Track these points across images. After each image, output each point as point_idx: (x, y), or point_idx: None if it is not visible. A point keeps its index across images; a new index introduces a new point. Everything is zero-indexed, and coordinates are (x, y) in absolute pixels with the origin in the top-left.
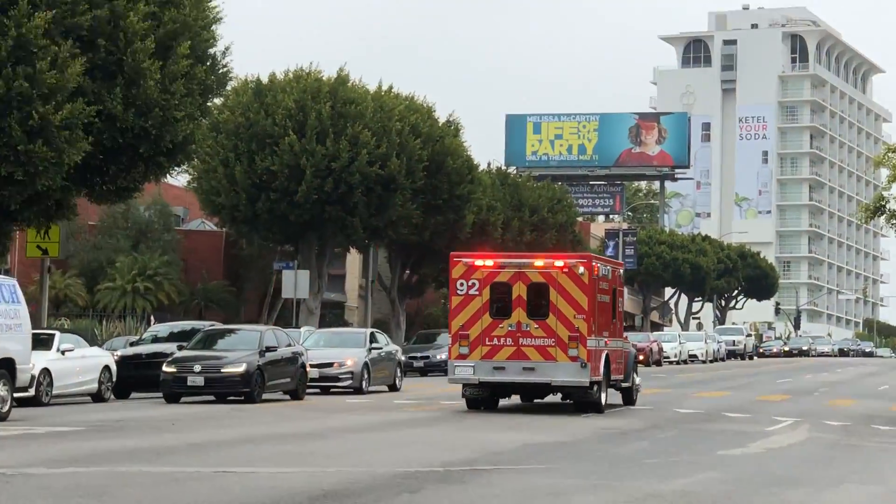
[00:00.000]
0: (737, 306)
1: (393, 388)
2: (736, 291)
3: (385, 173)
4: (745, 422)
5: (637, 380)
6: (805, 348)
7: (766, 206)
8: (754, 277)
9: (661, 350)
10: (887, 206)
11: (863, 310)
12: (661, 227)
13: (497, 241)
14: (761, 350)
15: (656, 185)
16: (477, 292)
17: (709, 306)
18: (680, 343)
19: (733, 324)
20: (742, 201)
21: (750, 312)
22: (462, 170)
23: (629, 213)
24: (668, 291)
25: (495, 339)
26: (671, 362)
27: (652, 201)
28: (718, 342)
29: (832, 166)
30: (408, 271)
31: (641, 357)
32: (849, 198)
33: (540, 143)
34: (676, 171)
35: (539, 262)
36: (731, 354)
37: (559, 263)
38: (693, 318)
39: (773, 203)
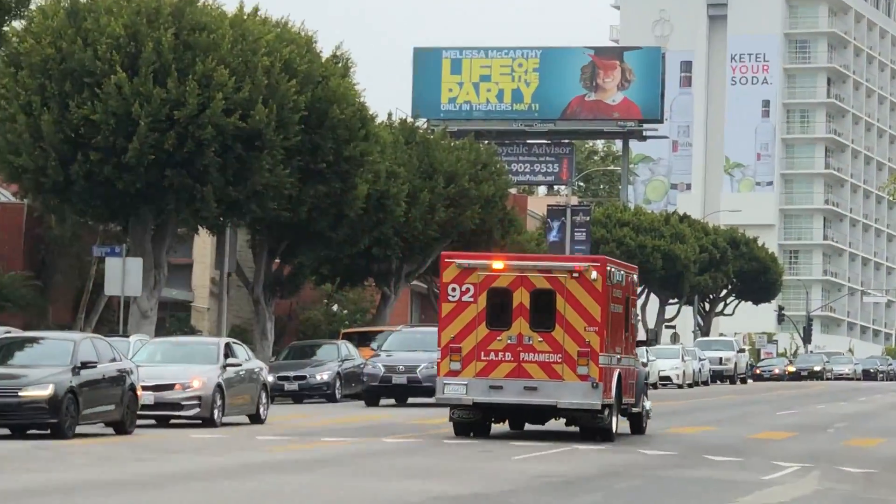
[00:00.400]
0: (726, 311)
1: (256, 419)
2: (725, 291)
3: (248, 126)
4: (735, 468)
5: (647, 404)
6: (817, 369)
7: (768, 176)
8: (750, 272)
9: None
10: None
11: None
12: (623, 202)
13: (400, 219)
14: (758, 370)
15: (618, 145)
16: (472, 299)
17: (688, 311)
18: (648, 360)
19: (721, 335)
20: (734, 168)
21: (744, 320)
22: (353, 123)
23: (580, 184)
24: None
25: (492, 353)
26: None
27: (612, 168)
28: (700, 360)
29: (857, 122)
30: (278, 261)
31: None
32: (879, 165)
33: (460, 86)
34: (645, 126)
35: (545, 265)
36: (718, 376)
37: (569, 267)
38: (666, 328)
39: (777, 171)
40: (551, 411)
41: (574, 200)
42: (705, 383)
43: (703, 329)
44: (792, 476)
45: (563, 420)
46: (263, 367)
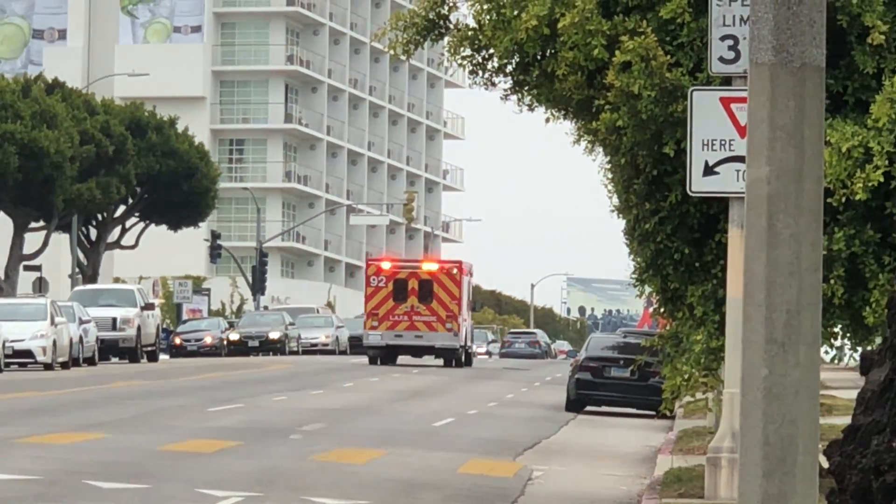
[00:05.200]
0: (125, 242)
1: None
2: (123, 208)
3: None
4: (134, 501)
5: (474, 347)
6: (275, 336)
7: (193, 18)
8: (165, 177)
9: None
10: (452, 14)
11: (406, 249)
12: None
13: None
14: (179, 340)
15: None
16: (384, 285)
17: (62, 241)
18: None
19: (117, 281)
20: (137, 5)
21: (155, 256)
22: None
23: None
24: None
25: (396, 316)
26: None
27: None
28: (82, 322)
29: None
30: None
31: None
32: None
33: None
34: None
35: (427, 266)
36: (111, 349)
37: (440, 267)
38: (27, 268)
39: (208, 10)
40: (431, 350)
41: None
42: (90, 361)
43: (88, 271)
44: None
45: (431, 356)
46: None
